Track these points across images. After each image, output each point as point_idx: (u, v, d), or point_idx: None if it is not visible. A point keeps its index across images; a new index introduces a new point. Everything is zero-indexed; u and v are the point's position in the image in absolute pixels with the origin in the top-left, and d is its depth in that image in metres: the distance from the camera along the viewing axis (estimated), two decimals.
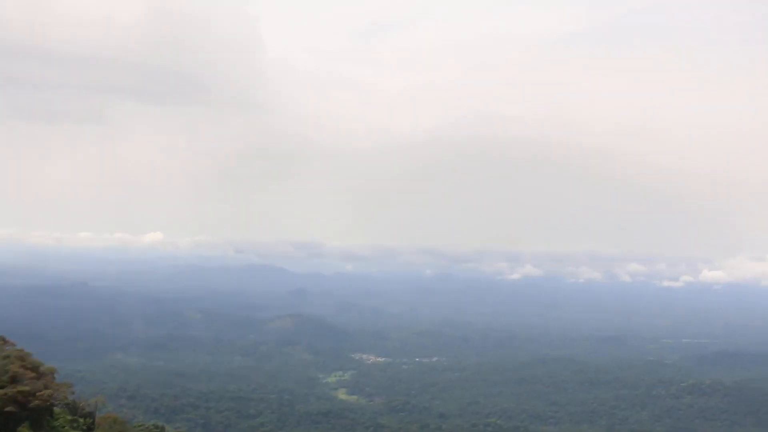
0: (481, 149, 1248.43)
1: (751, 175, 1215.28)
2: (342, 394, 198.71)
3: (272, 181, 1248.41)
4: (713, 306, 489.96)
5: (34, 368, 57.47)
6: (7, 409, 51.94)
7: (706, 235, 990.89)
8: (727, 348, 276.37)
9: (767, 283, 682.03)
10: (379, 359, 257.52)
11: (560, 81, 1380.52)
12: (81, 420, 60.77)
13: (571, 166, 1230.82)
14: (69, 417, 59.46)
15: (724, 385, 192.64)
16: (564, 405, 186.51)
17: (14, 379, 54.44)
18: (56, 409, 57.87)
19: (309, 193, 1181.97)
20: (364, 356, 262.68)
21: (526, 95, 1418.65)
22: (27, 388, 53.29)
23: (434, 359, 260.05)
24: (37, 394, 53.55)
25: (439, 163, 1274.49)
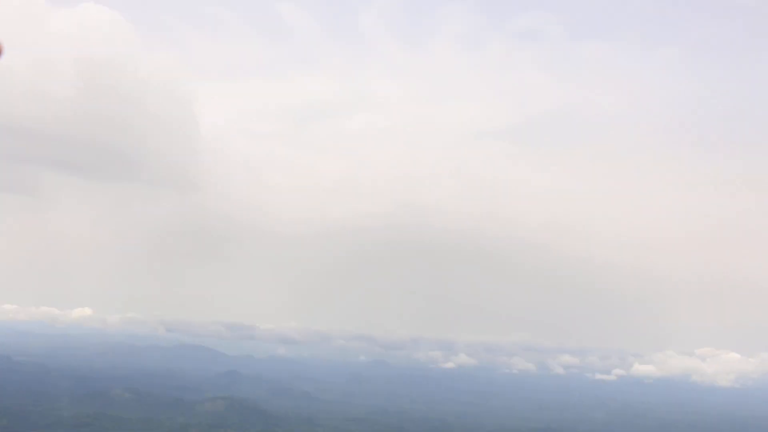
0: (415, 237, 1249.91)
1: (678, 270, 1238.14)
2: None
3: (205, 260, 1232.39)
4: (645, 400, 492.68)
5: None
6: None
7: (637, 328, 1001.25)
8: None
9: (697, 378, 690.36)
10: None
11: (490, 173, 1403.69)
12: None
13: (502, 257, 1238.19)
14: None
15: None
16: None
17: None
18: None
19: (242, 274, 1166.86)
20: None
21: (457, 185, 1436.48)
22: None
23: None
24: None
25: (372, 249, 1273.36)
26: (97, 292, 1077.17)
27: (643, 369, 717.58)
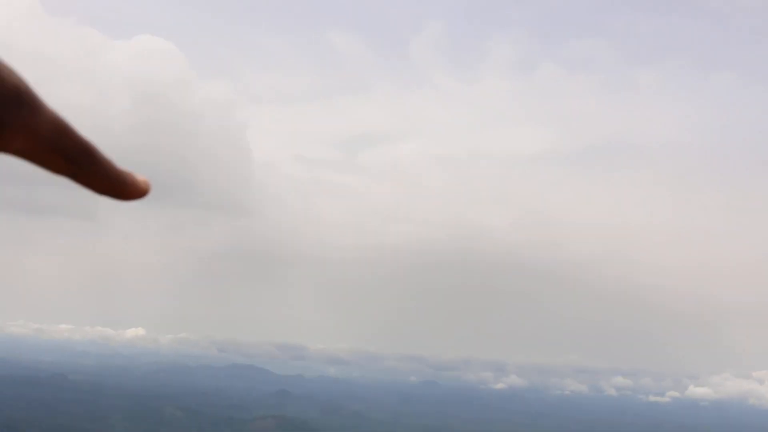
0: (464, 259, 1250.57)
1: (735, 293, 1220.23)
2: None
3: (257, 282, 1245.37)
4: (700, 423, 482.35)
5: None
6: None
7: (692, 350, 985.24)
8: None
9: (754, 401, 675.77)
10: None
11: (540, 196, 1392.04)
12: None
13: (554, 279, 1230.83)
14: None
15: None
16: None
17: None
18: None
19: (293, 296, 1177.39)
20: None
21: (507, 208, 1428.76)
22: None
23: None
24: None
25: (422, 271, 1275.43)
26: (151, 313, 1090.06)
27: (698, 391, 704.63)
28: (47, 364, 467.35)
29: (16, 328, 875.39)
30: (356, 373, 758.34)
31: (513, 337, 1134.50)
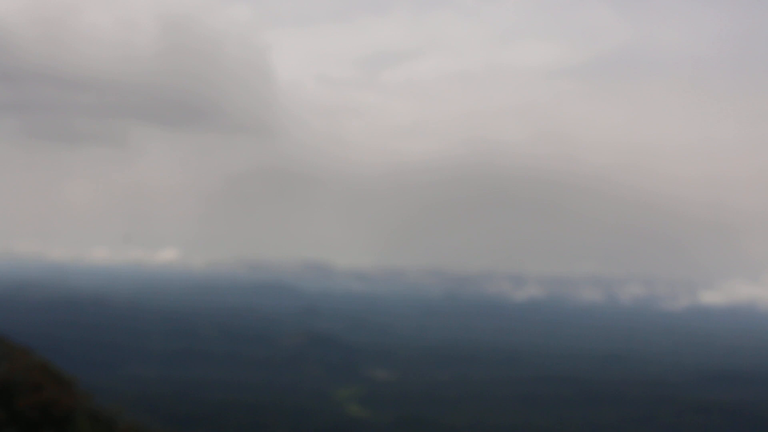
0: (485, 174, 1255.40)
1: (750, 200, 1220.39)
2: (354, 409, 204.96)
3: (282, 202, 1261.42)
4: (712, 328, 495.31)
5: (56, 378, 62.97)
6: (31, 416, 55.26)
7: (705, 256, 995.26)
8: (727, 369, 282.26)
9: (764, 306, 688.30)
10: (389, 375, 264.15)
11: (561, 111, 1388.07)
12: (102, 428, 64.84)
13: (570, 190, 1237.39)
14: (90, 425, 64.16)
15: (725, 404, 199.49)
16: (569, 420, 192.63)
17: (37, 388, 57.86)
18: (77, 418, 61.56)
19: (318, 213, 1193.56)
20: (375, 372, 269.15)
21: (527, 124, 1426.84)
22: (50, 396, 57.07)
23: (442, 375, 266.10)
24: (60, 402, 57.57)
25: (443, 187, 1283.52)
26: (183, 235, 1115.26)
27: (710, 297, 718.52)
28: (86, 287, 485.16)
29: (57, 254, 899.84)
30: (381, 289, 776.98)
31: (531, 249, 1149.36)
